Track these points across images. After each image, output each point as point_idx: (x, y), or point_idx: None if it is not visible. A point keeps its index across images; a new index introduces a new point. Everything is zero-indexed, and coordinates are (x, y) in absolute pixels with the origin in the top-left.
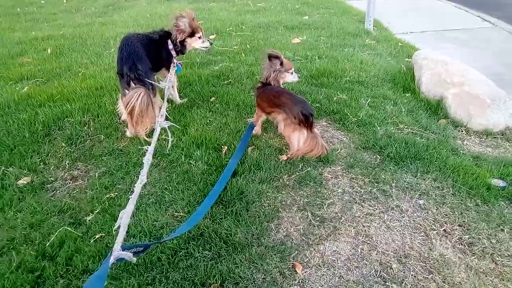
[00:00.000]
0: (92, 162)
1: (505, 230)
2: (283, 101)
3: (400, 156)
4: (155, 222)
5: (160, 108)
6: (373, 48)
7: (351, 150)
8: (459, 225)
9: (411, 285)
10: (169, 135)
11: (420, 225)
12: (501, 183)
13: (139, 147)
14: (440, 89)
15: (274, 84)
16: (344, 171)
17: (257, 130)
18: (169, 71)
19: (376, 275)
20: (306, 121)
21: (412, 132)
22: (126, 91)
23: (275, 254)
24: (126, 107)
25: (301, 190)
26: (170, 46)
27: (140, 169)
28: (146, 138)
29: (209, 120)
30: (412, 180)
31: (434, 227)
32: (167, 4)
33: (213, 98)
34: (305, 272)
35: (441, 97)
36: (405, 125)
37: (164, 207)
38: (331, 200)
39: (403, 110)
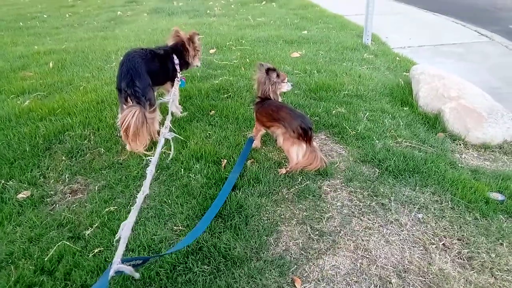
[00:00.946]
0: (92, 176)
1: (504, 244)
2: (282, 116)
3: (398, 169)
4: (154, 236)
5: (162, 120)
6: (371, 62)
7: (350, 164)
8: (458, 239)
9: None
10: (172, 146)
11: (419, 239)
12: (499, 197)
13: (142, 158)
14: (437, 103)
15: (273, 97)
16: (343, 184)
17: (256, 144)
18: (173, 85)
19: None
20: (305, 135)
21: (410, 146)
22: (124, 106)
23: (274, 269)
24: (122, 124)
25: (300, 204)
26: (176, 61)
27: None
28: (145, 153)
29: (209, 133)
30: (410, 194)
31: (433, 241)
32: (168, 19)
33: (212, 111)
34: (304, 287)
35: (438, 111)
36: (404, 139)
37: (163, 221)
38: (330, 214)
39: (401, 123)
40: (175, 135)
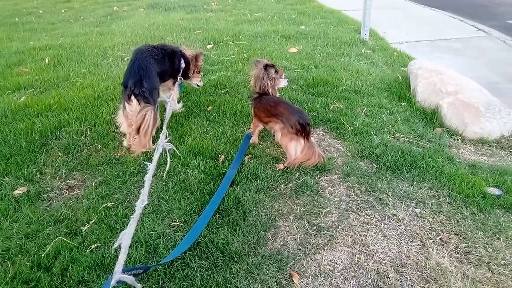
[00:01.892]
0: (89, 172)
1: (501, 238)
2: (280, 111)
3: (396, 164)
4: (151, 232)
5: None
6: (369, 58)
7: (348, 159)
8: (455, 234)
9: None
10: (168, 159)
11: (417, 233)
12: (496, 192)
13: (140, 155)
14: (435, 98)
15: (272, 92)
16: (341, 179)
17: (254, 139)
18: (174, 83)
19: (373, 284)
20: (303, 131)
21: (408, 141)
22: (127, 104)
23: (272, 264)
24: (135, 122)
25: (297, 199)
26: (182, 65)
27: (140, 176)
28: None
29: (206, 129)
30: (408, 189)
31: (431, 236)
32: (165, 14)
33: (210, 107)
34: (302, 281)
35: (436, 106)
36: (401, 134)
37: (160, 216)
38: (328, 209)
39: (399, 119)
40: (173, 148)
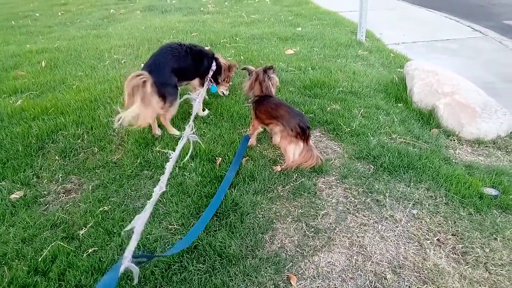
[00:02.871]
0: (86, 175)
1: (498, 238)
2: (281, 114)
3: (393, 166)
4: (148, 235)
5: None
6: (365, 59)
7: (345, 160)
8: (452, 234)
9: None
10: (191, 148)
11: (414, 234)
12: (493, 192)
13: (137, 157)
14: (431, 99)
15: (274, 92)
16: (338, 181)
17: (252, 141)
18: (202, 83)
19: (370, 286)
20: (303, 134)
21: (404, 142)
22: None
23: (269, 266)
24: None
25: (295, 201)
26: (214, 67)
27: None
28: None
29: (204, 131)
30: (405, 190)
31: (428, 237)
32: (162, 17)
33: (207, 109)
34: (299, 284)
35: (432, 106)
36: (398, 135)
37: (158, 219)
38: (326, 211)
39: (396, 120)
40: (197, 139)
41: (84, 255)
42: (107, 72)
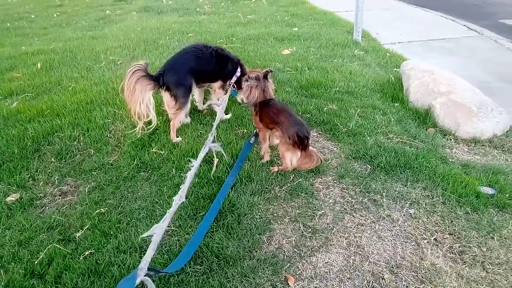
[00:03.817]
0: (82, 177)
1: (495, 237)
2: (281, 120)
3: (390, 165)
4: (145, 238)
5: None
6: (361, 59)
7: (342, 160)
8: (449, 234)
9: None
10: (214, 157)
11: (411, 234)
12: (490, 191)
13: (134, 159)
14: (428, 98)
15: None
16: (335, 181)
17: (265, 148)
18: (223, 86)
19: (368, 286)
20: (301, 144)
21: (401, 142)
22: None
23: (267, 267)
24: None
25: (292, 202)
26: (238, 73)
27: (134, 182)
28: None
29: (200, 132)
30: (402, 189)
31: (425, 236)
32: (158, 18)
33: (204, 110)
34: (297, 284)
35: (429, 106)
36: (395, 135)
37: (155, 221)
38: (323, 211)
39: (392, 119)
40: (220, 149)
41: (81, 257)
42: (103, 74)
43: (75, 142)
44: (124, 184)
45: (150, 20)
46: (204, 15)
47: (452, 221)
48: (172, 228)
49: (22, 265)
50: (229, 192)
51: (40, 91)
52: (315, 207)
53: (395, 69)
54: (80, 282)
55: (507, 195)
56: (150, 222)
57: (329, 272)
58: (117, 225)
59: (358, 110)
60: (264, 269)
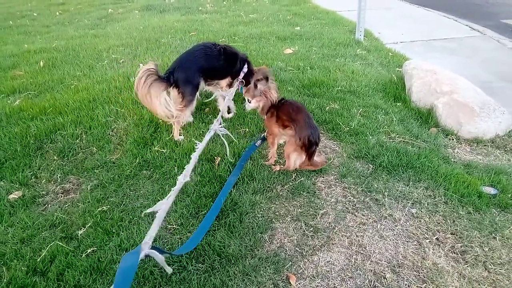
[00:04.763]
0: (84, 175)
1: (497, 237)
2: (298, 119)
3: (392, 165)
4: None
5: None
6: (364, 58)
7: (344, 160)
8: (451, 233)
9: None
10: (225, 142)
11: (413, 234)
12: (492, 191)
13: (136, 157)
14: (430, 98)
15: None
16: (337, 180)
17: (273, 152)
18: (231, 83)
19: (370, 285)
20: (309, 148)
21: (403, 141)
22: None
23: (269, 266)
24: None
25: (294, 200)
26: (245, 69)
27: (136, 179)
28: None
29: (202, 131)
30: (404, 189)
31: (427, 236)
32: (160, 16)
33: (206, 109)
34: (299, 283)
35: (431, 106)
36: (397, 134)
37: None
38: (325, 210)
39: (395, 119)
40: (227, 132)
41: (83, 255)
42: (106, 72)
43: (77, 140)
44: (126, 182)
45: (152, 19)
46: (206, 14)
47: (454, 221)
48: (174, 226)
49: (25, 262)
50: (231, 190)
51: (43, 89)
52: (317, 206)
53: (397, 68)
54: (82, 279)
55: (509, 195)
56: (152, 220)
57: (331, 271)
58: (119, 223)
59: (360, 109)
60: (266, 267)
